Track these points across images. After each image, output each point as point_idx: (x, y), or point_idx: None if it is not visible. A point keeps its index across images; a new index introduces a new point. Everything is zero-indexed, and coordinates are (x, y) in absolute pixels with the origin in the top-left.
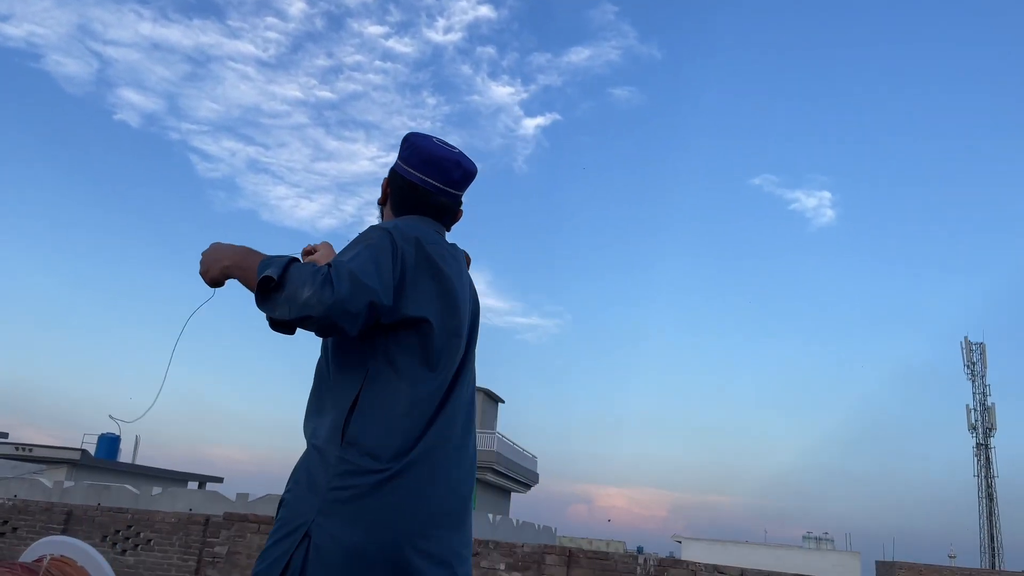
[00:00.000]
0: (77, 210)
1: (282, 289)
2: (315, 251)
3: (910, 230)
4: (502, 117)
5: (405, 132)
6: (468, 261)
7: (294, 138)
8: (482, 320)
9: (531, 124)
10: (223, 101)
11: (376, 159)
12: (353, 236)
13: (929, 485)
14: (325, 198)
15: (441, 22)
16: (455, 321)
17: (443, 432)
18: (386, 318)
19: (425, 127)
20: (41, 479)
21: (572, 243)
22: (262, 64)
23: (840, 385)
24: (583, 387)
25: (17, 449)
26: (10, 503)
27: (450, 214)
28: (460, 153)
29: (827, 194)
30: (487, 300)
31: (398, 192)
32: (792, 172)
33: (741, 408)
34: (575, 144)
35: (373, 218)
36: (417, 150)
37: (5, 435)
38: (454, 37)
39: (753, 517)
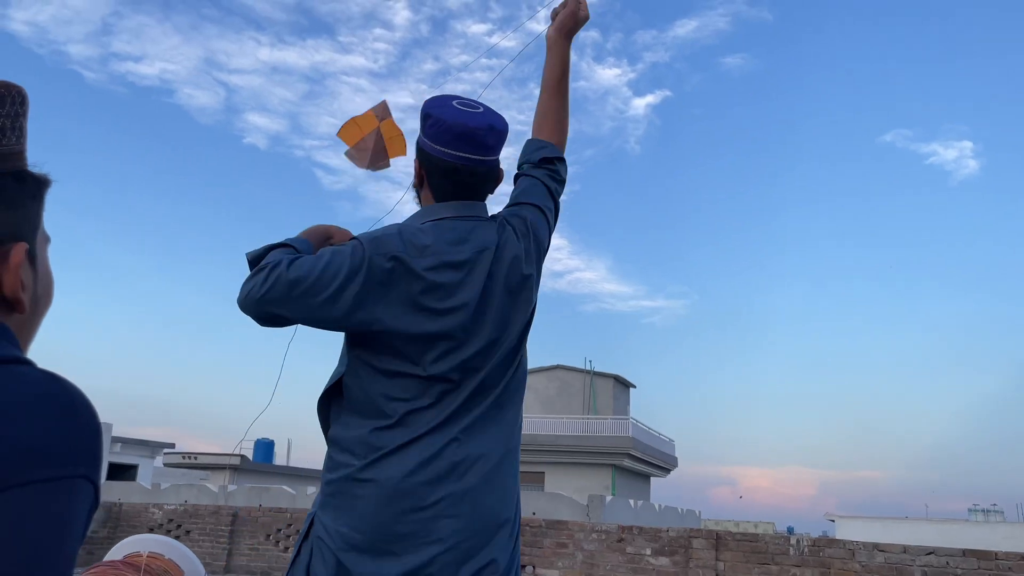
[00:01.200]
0: (220, 233)
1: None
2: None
3: None
4: (611, 100)
5: (515, 127)
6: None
7: (409, 145)
8: (606, 306)
9: (641, 104)
10: (340, 115)
11: None
12: None
13: None
14: None
15: (542, 12)
16: (444, 326)
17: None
18: (338, 327)
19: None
20: (207, 484)
21: (693, 221)
22: (374, 75)
23: (1000, 342)
24: (717, 367)
25: (184, 457)
26: (182, 508)
27: (489, 182)
28: (486, 112)
29: (968, 143)
30: (607, 286)
31: (437, 175)
32: (926, 124)
33: (890, 375)
34: (688, 118)
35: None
36: (446, 126)
37: (172, 445)
38: None
39: (912, 492)
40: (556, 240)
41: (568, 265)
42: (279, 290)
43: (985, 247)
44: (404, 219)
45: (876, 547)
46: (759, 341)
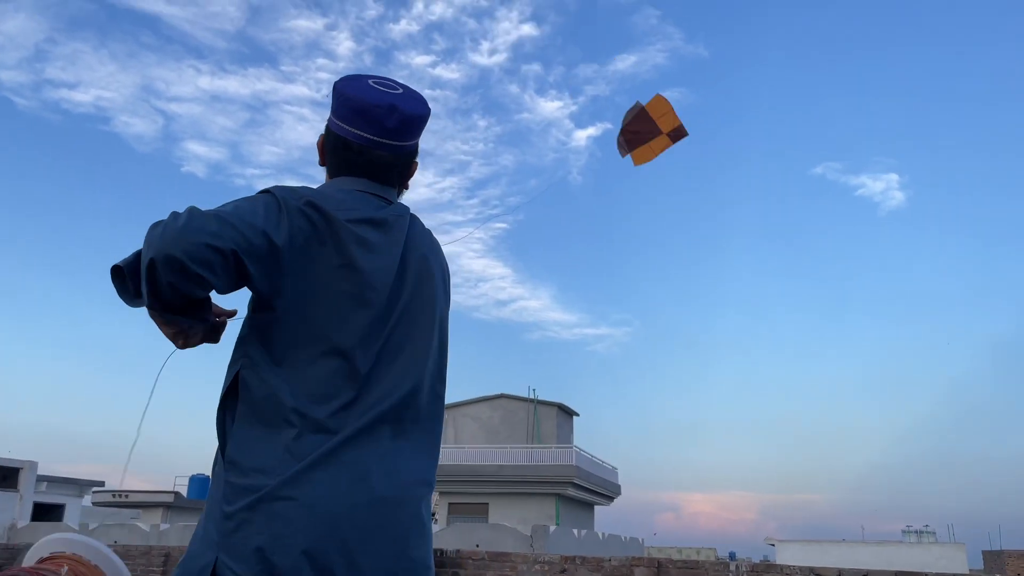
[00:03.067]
0: None
1: (134, 258)
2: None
3: (987, 201)
4: (553, 131)
5: (459, 156)
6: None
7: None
8: (551, 334)
9: (583, 135)
10: (283, 144)
11: (433, 185)
12: None
13: None
14: None
15: (485, 45)
16: (365, 299)
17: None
18: (259, 289)
19: (478, 149)
20: (138, 523)
21: (634, 249)
22: (317, 104)
23: (930, 370)
24: (660, 394)
25: (114, 496)
26: (112, 548)
27: (394, 169)
28: (400, 94)
29: (894, 176)
30: (552, 314)
31: (331, 151)
32: (854, 157)
33: (827, 402)
34: None
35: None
36: (346, 99)
37: (102, 483)
38: (499, 58)
39: (848, 514)
40: (500, 269)
41: (512, 294)
42: (199, 220)
43: (914, 276)
44: None
45: (812, 571)
46: (700, 368)
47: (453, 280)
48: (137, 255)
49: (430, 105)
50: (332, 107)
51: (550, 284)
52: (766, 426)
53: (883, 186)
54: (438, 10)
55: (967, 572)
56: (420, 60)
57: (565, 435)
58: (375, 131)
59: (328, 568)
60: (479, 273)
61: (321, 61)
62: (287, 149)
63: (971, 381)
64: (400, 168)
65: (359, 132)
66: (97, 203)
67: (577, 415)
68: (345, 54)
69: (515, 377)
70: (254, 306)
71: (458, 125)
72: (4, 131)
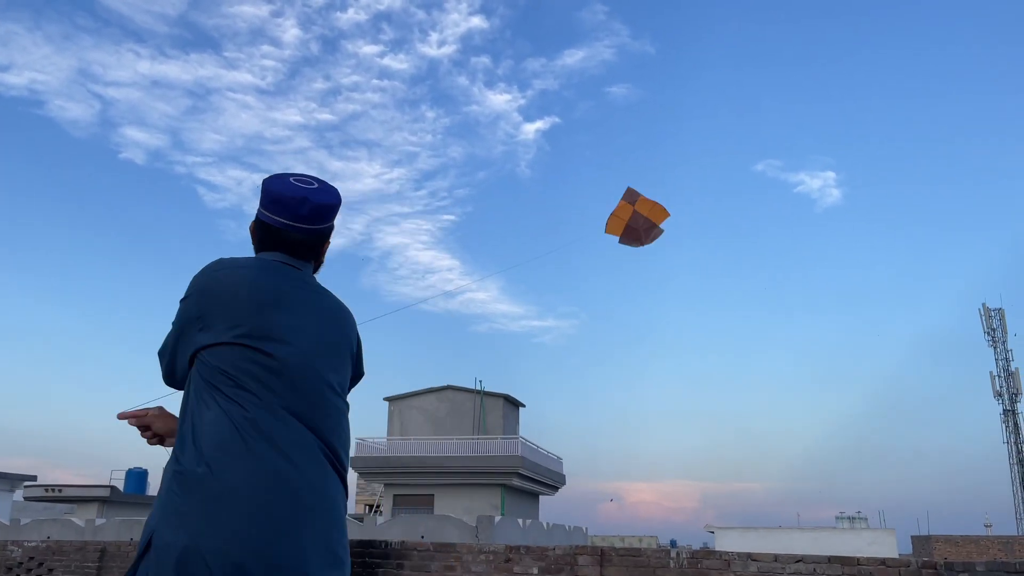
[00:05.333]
0: (90, 251)
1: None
2: (147, 414)
3: (918, 200)
4: (502, 124)
5: (407, 147)
6: (348, 318)
7: (298, 162)
8: (498, 326)
9: (531, 129)
10: (226, 132)
11: (380, 176)
12: (361, 254)
13: (960, 456)
14: None
15: (434, 36)
16: (273, 341)
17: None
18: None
19: (426, 140)
20: (73, 519)
21: (580, 242)
22: (261, 92)
23: (862, 362)
24: (604, 385)
25: (47, 491)
26: (44, 544)
27: (306, 247)
28: (315, 188)
29: (831, 174)
30: (499, 306)
31: (255, 234)
32: (793, 155)
33: (764, 392)
34: (575, 143)
35: (382, 234)
36: (267, 192)
37: (34, 477)
38: (448, 50)
39: (785, 502)
40: (448, 261)
41: (460, 285)
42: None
43: (848, 270)
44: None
45: (750, 556)
46: (644, 360)
47: (400, 271)
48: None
49: (384, 96)
50: (260, 201)
51: (498, 276)
52: (706, 417)
53: (820, 183)
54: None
55: (897, 556)
56: (368, 49)
57: (511, 426)
58: (289, 216)
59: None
60: (427, 265)
61: (266, 48)
62: (230, 136)
63: (901, 373)
64: (311, 245)
65: (277, 218)
66: (30, 187)
67: (523, 406)
68: (291, 41)
69: (462, 368)
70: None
71: (406, 116)
72: None
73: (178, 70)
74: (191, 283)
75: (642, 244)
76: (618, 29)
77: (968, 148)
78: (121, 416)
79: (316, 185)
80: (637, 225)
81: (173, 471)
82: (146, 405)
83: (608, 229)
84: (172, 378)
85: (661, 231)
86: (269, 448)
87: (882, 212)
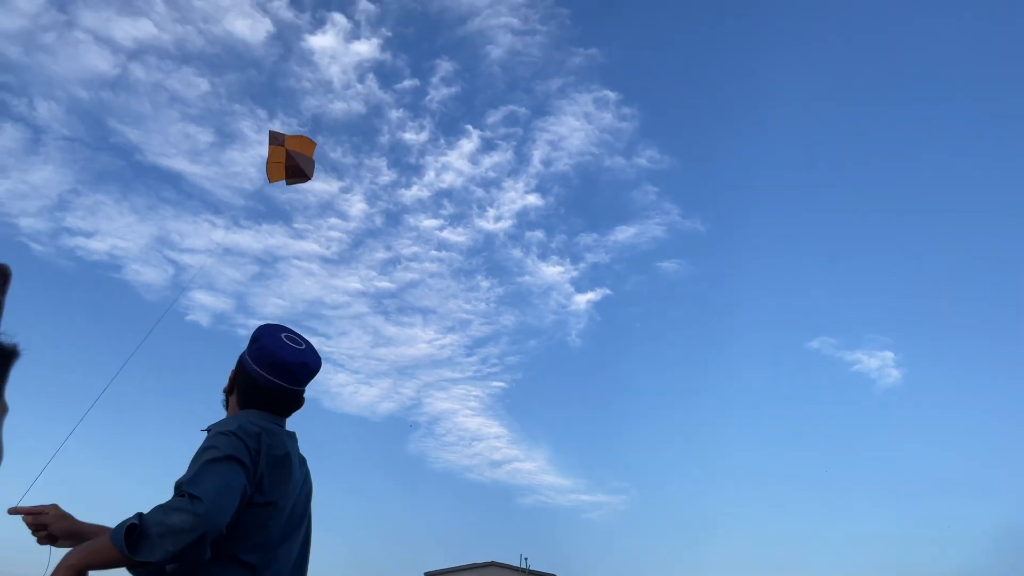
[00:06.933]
0: (150, 409)
1: (149, 530)
2: (45, 512)
3: (985, 380)
4: (553, 295)
5: (461, 315)
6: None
7: (355, 327)
8: (544, 499)
9: (582, 300)
10: (288, 297)
11: (433, 341)
12: (410, 419)
13: None
14: (384, 383)
15: (491, 212)
16: (292, 500)
17: None
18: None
19: (480, 308)
20: None
21: (632, 415)
22: (325, 260)
23: (932, 557)
24: (655, 567)
25: None
26: None
27: (293, 405)
28: (307, 350)
29: (889, 354)
30: (547, 477)
31: (247, 389)
32: (850, 333)
33: None
34: (627, 315)
35: (431, 399)
36: (267, 352)
37: None
38: (504, 224)
39: None
40: (495, 428)
41: (507, 455)
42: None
43: (914, 457)
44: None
45: None
46: (696, 542)
47: (447, 438)
48: (138, 516)
49: (442, 266)
50: (251, 352)
51: (544, 447)
52: None
53: (878, 363)
54: (448, 179)
55: None
56: (428, 223)
57: None
58: (287, 380)
59: None
60: (474, 432)
61: (333, 220)
62: (292, 302)
63: (975, 569)
64: (295, 403)
65: (277, 381)
66: (99, 343)
67: None
68: (357, 215)
69: (506, 543)
70: None
71: (461, 285)
72: (17, 274)
73: (250, 239)
74: (246, 433)
75: (308, 179)
76: (668, 208)
77: None
78: (13, 511)
79: (304, 346)
80: (295, 162)
81: None
82: (40, 502)
83: (271, 178)
84: (201, 543)
85: (314, 161)
86: None
87: (947, 394)
